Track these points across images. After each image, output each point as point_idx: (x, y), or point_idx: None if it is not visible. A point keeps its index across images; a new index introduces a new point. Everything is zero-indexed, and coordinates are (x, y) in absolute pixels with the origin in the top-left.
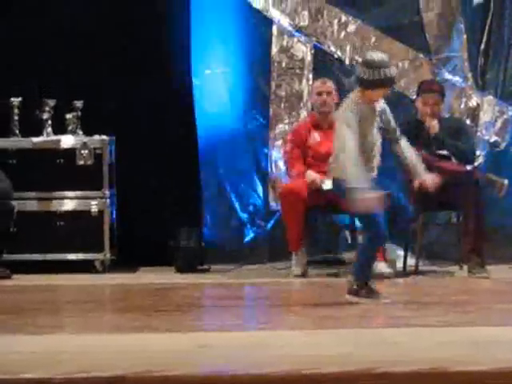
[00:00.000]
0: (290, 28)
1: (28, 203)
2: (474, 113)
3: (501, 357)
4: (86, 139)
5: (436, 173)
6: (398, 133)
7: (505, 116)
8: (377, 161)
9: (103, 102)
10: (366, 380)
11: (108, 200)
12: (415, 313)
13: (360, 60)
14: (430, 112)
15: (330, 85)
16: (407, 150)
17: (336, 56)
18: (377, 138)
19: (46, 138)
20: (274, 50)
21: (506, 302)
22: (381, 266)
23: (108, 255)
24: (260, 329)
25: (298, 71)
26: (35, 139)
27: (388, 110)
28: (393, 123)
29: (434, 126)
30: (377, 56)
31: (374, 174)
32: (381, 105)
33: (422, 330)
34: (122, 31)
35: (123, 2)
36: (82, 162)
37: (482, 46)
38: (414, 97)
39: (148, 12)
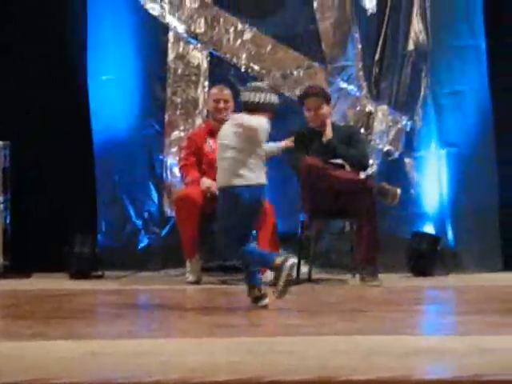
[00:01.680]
0: (186, 35)
1: None
2: (367, 122)
3: (389, 366)
4: None
5: (329, 181)
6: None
7: (398, 125)
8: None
9: None
10: None
11: (1, 205)
12: (307, 321)
13: (246, 87)
14: (314, 116)
15: (227, 92)
16: None
17: (232, 63)
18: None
19: None
20: (171, 56)
21: (396, 310)
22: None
23: (1, 260)
24: (152, 336)
25: (193, 78)
26: None
27: None
28: None
29: (326, 132)
30: (261, 84)
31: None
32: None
33: (313, 339)
34: (20, 33)
35: (22, 4)
36: None
37: (377, 56)
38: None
39: (46, 17)
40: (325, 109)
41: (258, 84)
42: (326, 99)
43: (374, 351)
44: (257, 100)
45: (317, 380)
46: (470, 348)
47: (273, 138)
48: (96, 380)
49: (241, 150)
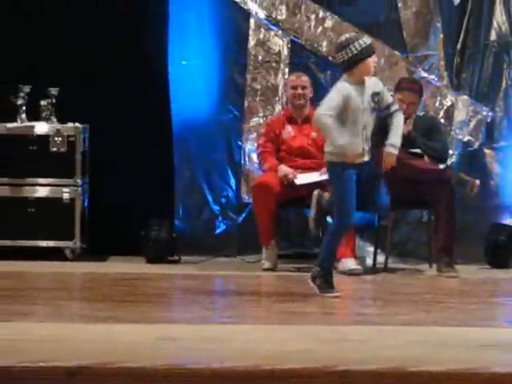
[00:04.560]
0: (267, 21)
1: (0, 189)
2: (448, 112)
3: (460, 358)
4: (59, 126)
5: (408, 170)
6: (394, 108)
7: (479, 116)
8: (368, 145)
9: (79, 90)
10: (326, 377)
11: (80, 188)
12: (381, 310)
13: (333, 50)
14: (404, 110)
15: (305, 79)
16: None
17: (312, 51)
18: (369, 122)
19: (19, 124)
20: (251, 42)
21: (472, 302)
22: (350, 263)
23: (78, 243)
24: (225, 322)
25: (274, 65)
26: (9, 125)
27: (382, 87)
28: (387, 100)
29: (407, 124)
30: (344, 37)
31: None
32: (374, 85)
33: (386, 329)
34: (101, 21)
35: None
36: (55, 149)
37: (459, 46)
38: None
39: (126, 4)
40: (416, 104)
41: (341, 39)
42: (420, 95)
43: (446, 343)
44: (353, 53)
45: (386, 371)
46: None
47: None
48: (163, 365)
49: None
